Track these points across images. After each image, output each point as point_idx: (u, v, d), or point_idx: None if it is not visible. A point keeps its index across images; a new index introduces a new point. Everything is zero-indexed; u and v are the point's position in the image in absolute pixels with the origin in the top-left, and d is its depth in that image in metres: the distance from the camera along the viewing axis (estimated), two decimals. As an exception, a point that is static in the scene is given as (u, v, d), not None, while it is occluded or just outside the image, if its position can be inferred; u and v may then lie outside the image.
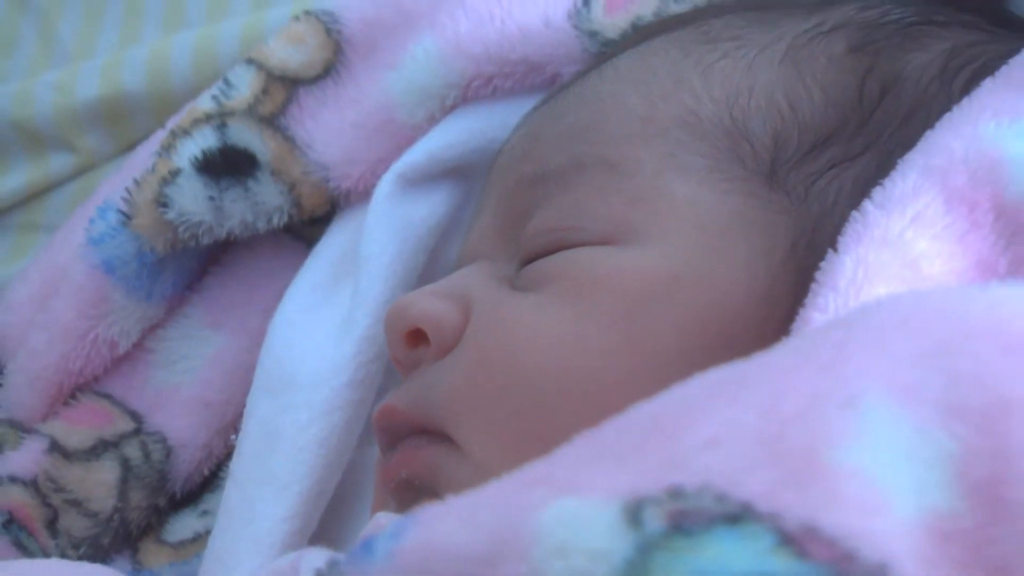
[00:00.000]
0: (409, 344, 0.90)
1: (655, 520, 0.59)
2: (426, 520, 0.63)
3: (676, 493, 0.60)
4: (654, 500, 0.60)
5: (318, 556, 0.84)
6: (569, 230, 0.88)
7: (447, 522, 0.63)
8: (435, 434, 0.87)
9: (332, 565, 0.65)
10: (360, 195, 1.04)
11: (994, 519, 0.60)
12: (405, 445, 0.88)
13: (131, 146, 1.15)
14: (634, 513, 0.59)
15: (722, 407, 0.64)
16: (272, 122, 1.05)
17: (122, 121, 1.23)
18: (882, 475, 0.60)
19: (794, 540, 0.58)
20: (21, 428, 1.06)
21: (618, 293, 0.85)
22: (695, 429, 0.63)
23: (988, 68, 0.85)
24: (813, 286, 0.77)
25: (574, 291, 0.86)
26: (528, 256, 0.89)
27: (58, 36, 1.30)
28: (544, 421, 0.83)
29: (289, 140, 1.04)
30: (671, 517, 0.59)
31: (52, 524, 1.02)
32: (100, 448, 1.04)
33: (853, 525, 0.59)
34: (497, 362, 0.86)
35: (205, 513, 1.05)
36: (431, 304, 0.89)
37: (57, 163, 1.25)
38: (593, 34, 1.02)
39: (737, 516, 0.59)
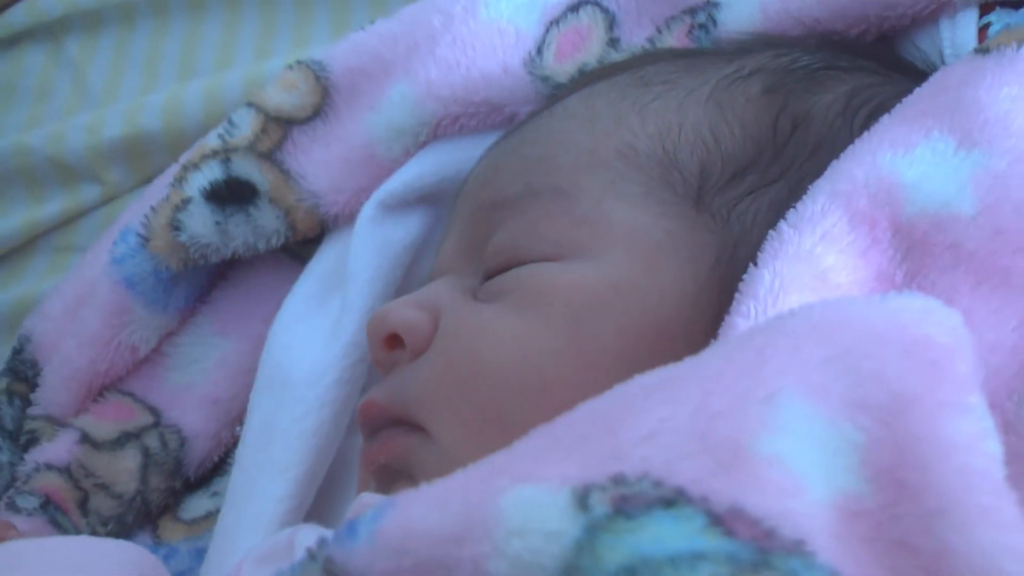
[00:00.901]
0: (387, 347, 0.89)
1: (600, 504, 0.59)
2: (402, 505, 0.63)
3: (619, 480, 0.60)
4: (599, 487, 0.59)
5: (311, 532, 0.83)
6: (523, 248, 0.88)
7: (421, 507, 0.62)
8: (409, 425, 0.87)
9: (320, 544, 0.64)
10: (346, 219, 1.04)
11: (894, 500, 0.60)
12: (384, 434, 0.88)
13: (149, 178, 1.14)
14: (582, 498, 0.59)
15: (658, 405, 0.63)
16: (270, 157, 1.04)
17: (142, 157, 1.22)
18: (797, 463, 0.60)
19: (722, 520, 0.58)
20: (56, 422, 1.05)
21: (565, 302, 0.85)
22: (634, 424, 0.62)
23: (884, 106, 0.85)
24: (736, 295, 0.77)
25: (528, 301, 0.85)
26: (489, 272, 0.89)
27: (88, 84, 1.30)
28: (503, 413, 0.83)
29: (284, 172, 1.04)
30: (614, 502, 0.59)
31: (83, 505, 1.02)
32: (124, 439, 1.03)
33: (773, 507, 0.58)
34: (462, 363, 0.86)
35: (215, 494, 1.04)
36: (406, 313, 0.89)
37: (87, 193, 1.24)
38: (545, 79, 1.02)
39: (672, 500, 0.59)
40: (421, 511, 0.62)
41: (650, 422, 0.62)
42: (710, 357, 0.67)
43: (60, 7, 1.32)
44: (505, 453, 0.65)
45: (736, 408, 0.62)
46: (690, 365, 0.67)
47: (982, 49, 0.84)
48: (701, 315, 0.82)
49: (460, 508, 0.61)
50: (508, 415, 0.81)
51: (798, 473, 0.60)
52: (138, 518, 1.03)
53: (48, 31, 1.32)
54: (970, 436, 0.61)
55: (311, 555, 0.64)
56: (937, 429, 0.61)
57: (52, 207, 1.24)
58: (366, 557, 0.62)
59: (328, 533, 0.66)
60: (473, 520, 0.60)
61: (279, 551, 0.83)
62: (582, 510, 0.58)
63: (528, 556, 0.58)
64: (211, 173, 1.04)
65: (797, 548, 0.57)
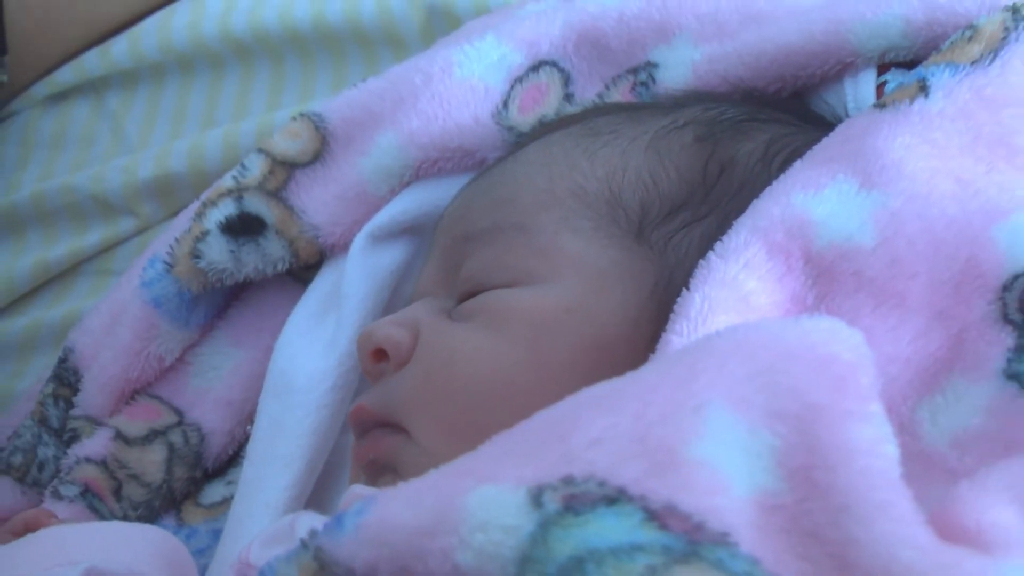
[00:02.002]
0: (375, 360, 0.88)
1: (552, 503, 0.57)
2: (382, 501, 0.62)
3: (568, 481, 0.58)
4: (551, 487, 0.58)
5: (310, 518, 0.81)
6: (490, 275, 0.87)
7: (398, 503, 0.61)
8: (394, 426, 0.85)
9: (312, 535, 0.63)
10: (341, 248, 1.02)
11: (806, 496, 0.59)
12: (372, 435, 0.87)
13: (176, 212, 1.12)
14: (536, 497, 0.58)
15: (603, 414, 0.62)
16: (276, 195, 1.03)
17: (170, 194, 1.21)
18: (723, 465, 0.59)
19: (657, 516, 0.57)
20: (94, 422, 1.03)
21: (525, 322, 0.84)
22: (582, 431, 0.61)
23: (798, 153, 0.84)
24: (672, 316, 0.76)
25: (494, 321, 0.84)
26: (461, 295, 0.88)
27: (125, 133, 1.28)
28: (473, 417, 0.82)
29: (289, 208, 1.02)
30: (564, 500, 0.57)
31: (117, 492, 1.00)
32: (152, 436, 1.02)
33: (702, 503, 0.57)
34: (438, 374, 0.85)
35: (230, 483, 1.02)
36: (390, 331, 0.88)
37: (123, 225, 1.22)
38: (510, 128, 1.01)
39: (614, 498, 0.57)
40: (398, 507, 0.60)
41: (596, 430, 0.61)
42: (648, 372, 0.66)
43: (101, 67, 1.30)
44: (471, 456, 0.64)
45: (670, 417, 0.61)
46: (631, 379, 0.65)
47: (880, 104, 0.84)
48: (642, 333, 0.81)
49: (432, 505, 0.59)
50: (477, 419, 0.79)
51: (723, 474, 0.59)
52: (164, 504, 1.02)
53: (91, 87, 1.31)
54: (871, 441, 0.60)
55: (304, 544, 0.63)
56: (842, 435, 0.60)
57: (93, 237, 1.22)
58: (351, 547, 0.60)
59: (322, 521, 0.64)
60: (443, 516, 0.58)
61: (283, 534, 0.81)
62: (536, 508, 0.57)
63: (490, 548, 0.57)
64: (226, 209, 1.03)
65: (723, 539, 0.56)
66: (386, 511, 0.60)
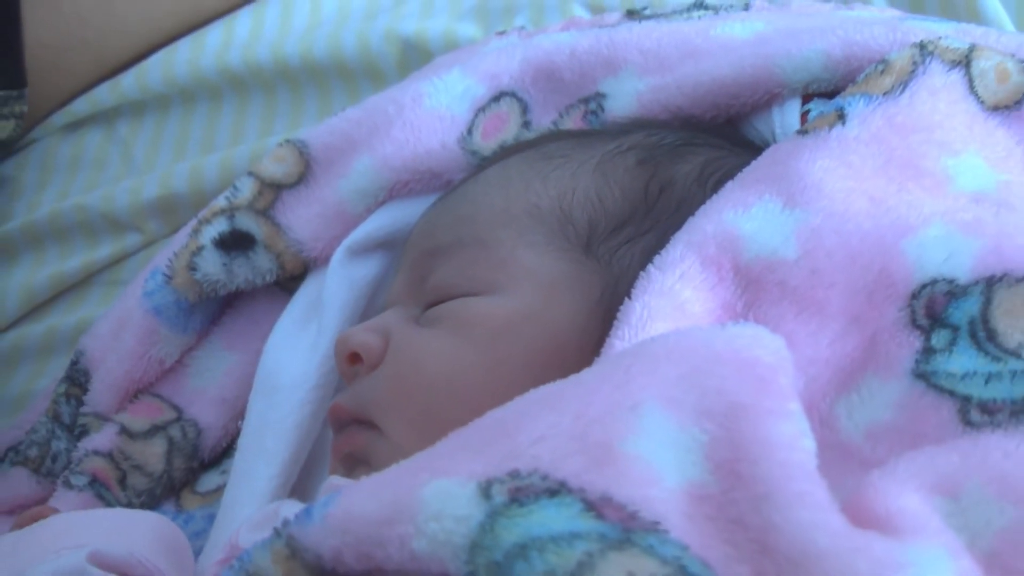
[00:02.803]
0: (350, 363, 0.87)
1: (500, 495, 0.57)
2: (347, 494, 0.61)
3: (514, 475, 0.58)
4: (499, 480, 0.57)
5: (292, 505, 0.80)
6: (454, 286, 0.85)
7: (361, 496, 0.60)
8: (367, 423, 0.84)
9: (285, 524, 0.62)
10: (323, 261, 1.00)
11: (731, 487, 0.58)
12: (347, 431, 0.85)
13: (179, 229, 1.10)
14: (486, 490, 0.57)
15: (547, 413, 0.61)
16: (264, 213, 1.01)
17: (172, 212, 1.19)
18: (655, 459, 0.58)
19: (595, 507, 0.56)
20: (102, 418, 1.01)
21: (484, 327, 0.82)
22: (528, 429, 0.60)
23: (729, 174, 0.83)
24: (615, 323, 0.75)
25: (456, 326, 0.83)
26: (428, 303, 0.87)
27: (132, 157, 1.27)
28: (438, 414, 0.80)
29: (276, 225, 1.01)
30: (511, 492, 0.57)
31: (122, 482, 0.98)
32: (153, 431, 1.00)
33: (635, 494, 0.56)
34: (407, 375, 0.84)
35: (223, 472, 1.00)
36: (363, 336, 0.87)
37: (130, 240, 1.21)
38: (474, 153, 0.99)
39: (556, 491, 0.57)
40: (361, 499, 0.59)
41: (540, 428, 0.60)
42: (589, 375, 0.65)
43: (112, 98, 1.29)
44: (428, 452, 0.63)
45: (608, 416, 0.60)
46: (573, 381, 0.64)
47: (803, 131, 0.83)
48: (590, 338, 0.80)
49: (391, 497, 0.58)
50: (441, 415, 0.77)
51: (656, 467, 0.58)
52: (164, 491, 1.00)
53: (104, 117, 1.30)
54: (790, 436, 0.59)
55: (277, 532, 0.61)
56: (764, 431, 0.59)
57: (104, 251, 1.21)
58: (319, 535, 0.59)
59: (291, 516, 0.63)
60: (400, 507, 0.57)
61: (268, 519, 0.79)
62: (485, 499, 0.56)
63: (443, 536, 0.56)
64: (220, 226, 1.01)
65: (654, 527, 0.55)
66: (350, 503, 0.59)
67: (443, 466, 0.59)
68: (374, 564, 0.58)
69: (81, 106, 1.30)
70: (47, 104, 1.31)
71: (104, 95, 1.30)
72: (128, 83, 1.29)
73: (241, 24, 1.30)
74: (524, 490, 0.56)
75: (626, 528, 0.55)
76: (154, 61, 1.29)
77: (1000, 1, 1.09)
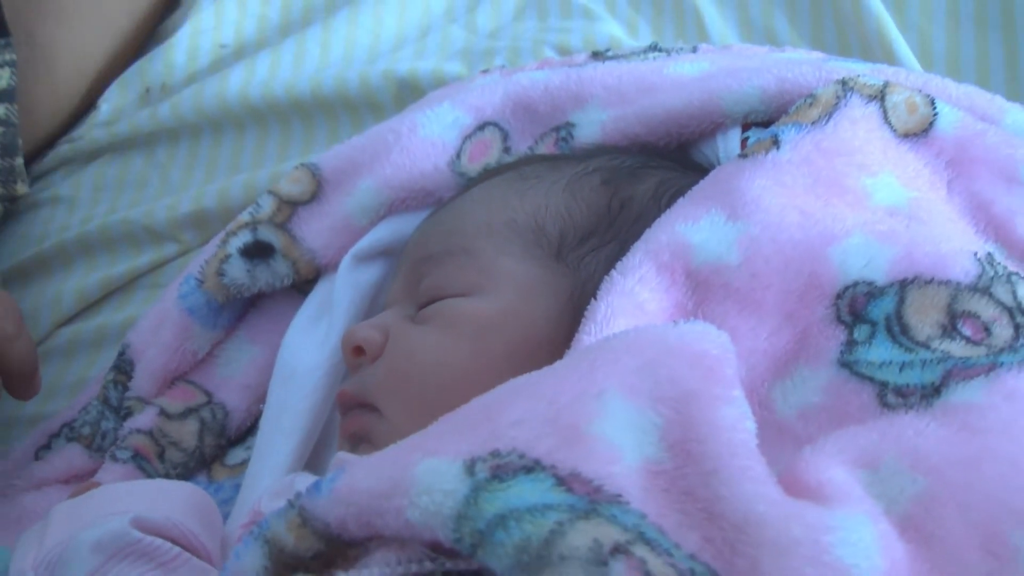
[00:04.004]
0: (355, 355, 0.85)
1: (482, 471, 0.55)
2: (350, 471, 0.59)
3: (495, 454, 0.56)
4: (482, 459, 0.56)
5: (306, 477, 0.79)
6: (443, 289, 0.83)
7: (362, 472, 0.58)
8: (369, 407, 0.82)
9: (297, 496, 0.60)
10: (332, 267, 0.98)
11: (683, 463, 0.57)
12: (352, 413, 0.84)
13: (209, 240, 1.08)
14: (470, 467, 0.56)
15: (524, 400, 0.60)
16: (282, 227, 0.99)
17: (204, 226, 1.17)
18: (617, 439, 0.57)
19: (565, 481, 0.54)
20: (144, 402, 0.99)
21: (470, 324, 0.81)
22: (507, 414, 0.59)
23: (681, 192, 0.81)
24: (583, 320, 0.73)
25: (446, 324, 0.81)
26: (421, 304, 0.85)
27: (170, 179, 1.25)
28: (429, 399, 0.78)
29: (292, 236, 0.99)
30: (492, 469, 0.55)
31: (161, 456, 0.96)
32: (187, 412, 0.98)
33: (600, 470, 0.55)
34: (403, 366, 0.82)
35: (248, 448, 0.98)
36: (366, 332, 0.85)
37: (168, 249, 1.19)
38: (462, 174, 0.97)
39: (531, 468, 0.55)
40: (362, 475, 0.58)
41: (518, 413, 0.58)
42: (559, 366, 0.63)
43: (150, 125, 1.28)
44: (420, 434, 0.61)
45: (576, 402, 0.58)
46: (546, 372, 0.63)
47: (743, 155, 0.81)
48: (561, 333, 0.77)
49: (388, 473, 0.57)
50: (432, 400, 0.75)
51: (617, 446, 0.57)
52: (197, 465, 0.98)
53: (145, 142, 1.28)
54: (733, 419, 0.58)
55: (291, 504, 0.60)
56: (711, 414, 0.58)
57: (146, 259, 1.19)
58: (326, 506, 0.58)
59: (303, 489, 0.61)
60: (396, 482, 0.56)
61: (285, 489, 0.77)
62: (470, 476, 0.55)
63: (433, 507, 0.54)
64: (244, 237, 0.99)
65: (616, 499, 0.54)
66: (353, 479, 0.58)
67: (433, 446, 0.58)
68: (374, 531, 0.57)
69: (123, 130, 1.29)
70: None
71: (144, 120, 1.28)
72: (164, 112, 1.27)
73: (261, 65, 1.28)
74: (504, 467, 0.55)
75: (592, 500, 0.53)
76: (186, 93, 1.27)
77: (909, 43, 1.08)
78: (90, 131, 1.31)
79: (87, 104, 1.34)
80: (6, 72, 1.20)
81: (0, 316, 0.93)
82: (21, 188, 1.24)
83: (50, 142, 1.33)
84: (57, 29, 1.27)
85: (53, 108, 1.31)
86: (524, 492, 0.53)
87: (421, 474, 0.55)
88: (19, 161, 1.23)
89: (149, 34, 1.39)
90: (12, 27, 1.21)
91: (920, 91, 0.86)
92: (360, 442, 0.82)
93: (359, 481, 0.57)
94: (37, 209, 1.28)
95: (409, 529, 0.55)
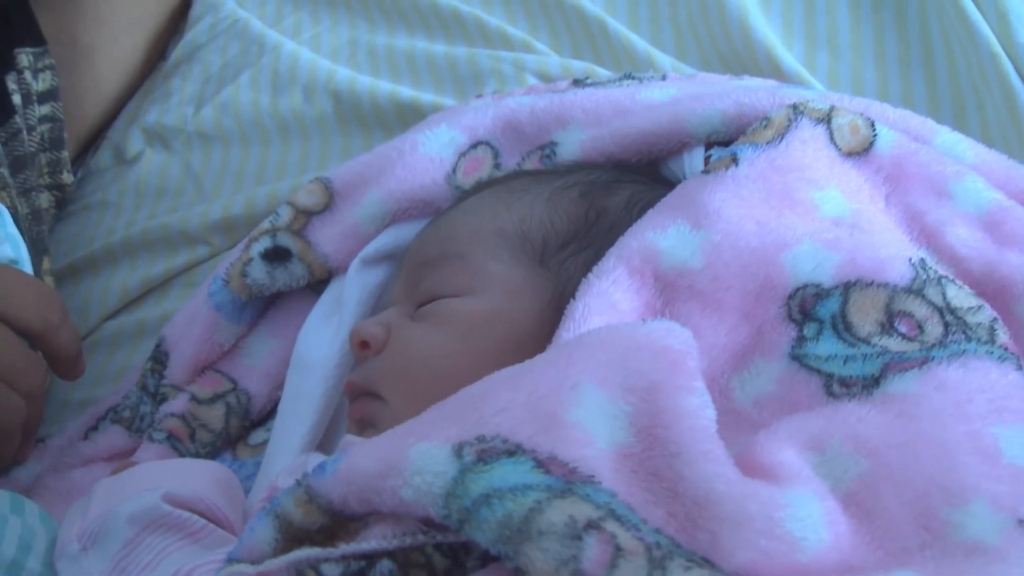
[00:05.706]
0: (361, 348, 0.83)
1: (469, 455, 0.54)
2: (351, 453, 0.57)
3: (481, 439, 0.55)
4: (469, 443, 0.54)
5: (317, 457, 0.77)
6: (439, 290, 0.82)
7: (361, 454, 0.57)
8: (373, 395, 0.81)
9: (304, 476, 0.59)
10: (343, 269, 0.96)
11: (650, 446, 0.55)
12: (359, 401, 0.82)
13: (235, 244, 1.06)
14: (458, 451, 0.54)
15: (507, 390, 0.58)
16: (299, 233, 0.97)
17: (232, 231, 1.15)
18: (590, 425, 0.55)
19: (543, 464, 0.53)
20: (177, 388, 0.97)
21: (462, 322, 0.79)
22: (492, 403, 0.57)
23: (651, 204, 0.80)
24: (563, 318, 0.71)
25: (441, 321, 0.80)
26: (419, 303, 0.83)
27: (203, 188, 1.23)
28: (426, 389, 0.75)
29: (307, 242, 0.97)
30: (478, 453, 0.54)
31: (192, 437, 0.94)
32: (215, 398, 0.96)
33: (575, 454, 0.54)
34: (403, 359, 0.80)
35: (268, 429, 0.96)
36: (371, 328, 0.83)
37: (200, 252, 1.16)
38: (457, 187, 0.95)
39: (513, 451, 0.54)
40: (362, 457, 0.57)
41: (502, 401, 0.57)
42: (539, 360, 0.62)
43: (194, 123, 1.26)
44: (415, 420, 0.59)
45: (554, 392, 0.57)
46: (528, 365, 0.61)
47: (706, 171, 0.80)
48: (544, 330, 0.76)
49: (385, 456, 0.55)
50: (429, 390, 0.72)
51: (591, 432, 0.55)
52: (224, 445, 0.96)
53: (180, 155, 1.26)
54: (696, 407, 0.57)
55: (299, 483, 0.59)
56: (675, 403, 0.56)
57: (180, 260, 1.17)
58: (330, 485, 0.57)
59: (320, 460, 0.60)
60: (392, 463, 0.55)
61: (299, 467, 0.76)
62: (458, 458, 0.54)
63: (424, 487, 0.53)
64: (265, 243, 0.97)
65: (590, 480, 0.53)
66: (354, 460, 0.57)
67: (426, 432, 0.57)
68: (373, 508, 0.56)
69: (169, 118, 1.27)
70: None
71: (187, 120, 1.27)
72: (206, 115, 1.26)
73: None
74: (488, 451, 0.54)
75: (568, 481, 0.52)
76: (225, 95, 1.26)
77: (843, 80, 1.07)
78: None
79: (127, 98, 1.32)
80: (47, 76, 1.18)
81: (46, 307, 0.91)
82: (67, 178, 1.22)
83: (95, 136, 1.31)
84: (97, 32, 1.25)
85: (97, 103, 1.29)
86: (506, 473, 0.52)
87: (414, 457, 0.54)
88: (64, 154, 1.21)
89: (173, 31, 1.37)
90: (57, 32, 1.19)
91: (862, 114, 0.85)
92: (366, 426, 0.80)
93: (359, 463, 0.56)
94: (88, 212, 1.27)
95: (403, 506, 0.53)
